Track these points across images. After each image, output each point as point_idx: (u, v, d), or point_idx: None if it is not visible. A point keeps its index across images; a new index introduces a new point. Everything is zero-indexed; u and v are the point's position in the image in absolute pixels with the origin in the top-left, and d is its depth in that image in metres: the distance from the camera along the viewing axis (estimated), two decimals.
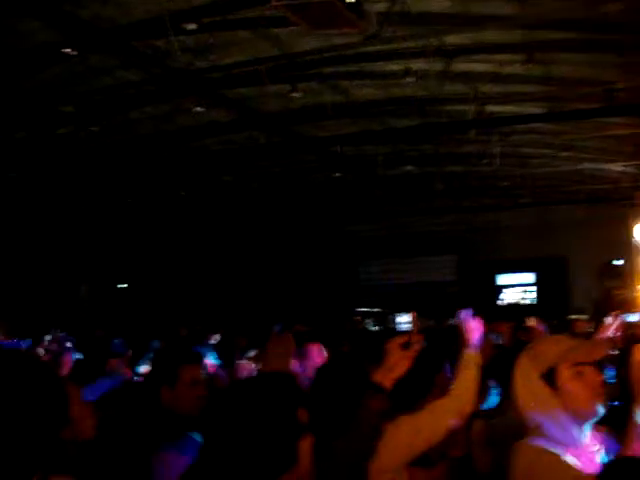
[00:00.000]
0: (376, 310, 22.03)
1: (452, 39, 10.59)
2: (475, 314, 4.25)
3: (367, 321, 19.64)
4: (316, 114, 13.32)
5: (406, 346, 3.40)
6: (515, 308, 22.56)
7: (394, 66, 11.32)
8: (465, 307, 4.29)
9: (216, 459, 2.41)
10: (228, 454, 2.37)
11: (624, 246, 19.39)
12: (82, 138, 14.24)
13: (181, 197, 18.76)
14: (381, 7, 9.07)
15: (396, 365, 3.35)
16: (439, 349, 4.54)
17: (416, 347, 3.41)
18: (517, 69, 11.44)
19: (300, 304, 20.67)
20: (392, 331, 12.71)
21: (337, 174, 17.58)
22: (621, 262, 20.80)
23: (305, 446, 2.55)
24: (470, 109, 12.83)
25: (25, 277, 17.43)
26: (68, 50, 10.31)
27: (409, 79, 11.46)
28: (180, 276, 21.41)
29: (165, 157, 15.99)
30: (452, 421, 3.91)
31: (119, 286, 21.36)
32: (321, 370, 4.26)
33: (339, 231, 24.22)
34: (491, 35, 10.57)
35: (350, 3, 7.37)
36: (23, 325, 13.12)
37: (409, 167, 16.91)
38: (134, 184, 17.91)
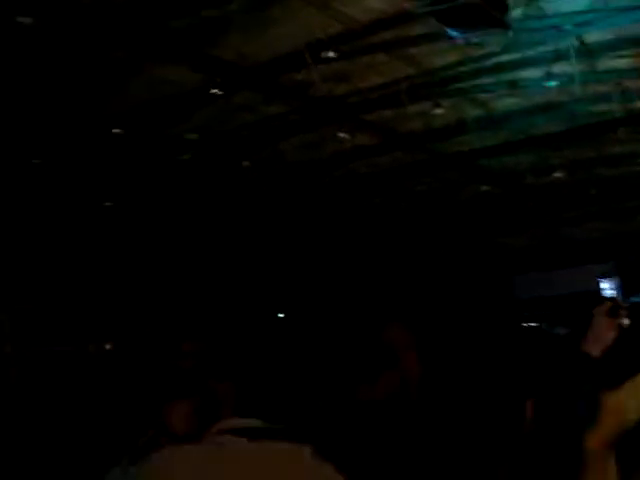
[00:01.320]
0: (533, 325, 21.53)
1: (593, 37, 10.37)
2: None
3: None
4: (457, 129, 13.30)
5: (613, 313, 3.19)
6: None
7: (534, 72, 11.18)
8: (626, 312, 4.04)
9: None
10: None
11: None
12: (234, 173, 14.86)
13: (337, 223, 19.11)
14: (516, 13, 9.03)
15: (604, 333, 3.11)
16: None
17: (624, 315, 3.18)
18: None
19: (454, 321, 20.45)
20: None
21: (484, 188, 17.43)
22: None
23: (411, 353, 2.70)
24: (617, 107, 12.49)
25: None
26: (215, 91, 10.81)
27: (551, 84, 11.30)
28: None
29: (315, 185, 16.37)
30: None
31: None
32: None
33: (491, 245, 23.91)
34: (633, 28, 10.27)
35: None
36: None
37: (558, 174, 16.55)
38: (285, 215, 18.38)
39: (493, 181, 17.27)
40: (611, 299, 3.21)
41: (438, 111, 11.88)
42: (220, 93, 10.96)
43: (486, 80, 11.42)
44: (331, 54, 10.03)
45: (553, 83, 11.20)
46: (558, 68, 10.92)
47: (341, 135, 12.63)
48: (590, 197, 18.83)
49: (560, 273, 24.05)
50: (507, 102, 12.44)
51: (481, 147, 14.49)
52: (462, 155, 15.04)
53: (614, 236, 22.28)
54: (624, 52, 10.87)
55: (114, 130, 12.36)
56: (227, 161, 14.40)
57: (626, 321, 3.11)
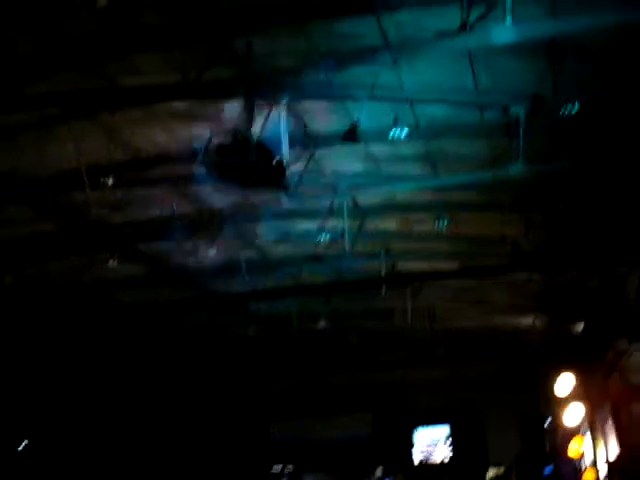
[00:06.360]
0: (288, 469, 21.67)
1: (365, 199, 11.01)
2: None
3: None
4: (230, 270, 13.45)
5: None
6: (431, 468, 22.57)
7: (308, 224, 11.65)
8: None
9: None
10: None
11: (538, 398, 19.52)
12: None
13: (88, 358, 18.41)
14: (297, 167, 9.43)
15: None
16: None
17: None
18: (427, 227, 11.90)
19: (211, 464, 20.06)
20: None
21: (251, 331, 17.51)
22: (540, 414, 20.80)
23: None
24: (382, 266, 13.17)
25: None
26: None
27: (323, 237, 11.79)
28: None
29: (80, 308, 15.76)
30: None
31: None
32: None
33: (251, 387, 23.85)
34: (402, 194, 11.04)
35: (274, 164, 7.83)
36: None
37: (323, 323, 17.02)
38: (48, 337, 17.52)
39: (261, 324, 17.39)
40: None
41: (212, 250, 11.97)
42: None
43: (262, 225, 11.73)
44: (110, 181, 9.93)
45: (325, 236, 11.67)
46: (331, 223, 11.44)
47: (111, 262, 12.33)
48: (352, 347, 19.41)
49: (318, 419, 24.34)
50: (280, 249, 12.80)
51: (251, 290, 14.65)
52: (232, 296, 15.11)
53: (374, 387, 22.97)
54: (391, 216, 11.62)
55: None
56: None
57: None
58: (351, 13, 7.55)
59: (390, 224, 12.19)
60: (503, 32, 7.07)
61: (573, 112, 8.31)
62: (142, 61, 8.36)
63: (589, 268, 13.31)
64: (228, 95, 8.51)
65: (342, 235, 11.59)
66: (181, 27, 7.76)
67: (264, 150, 7.85)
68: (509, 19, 6.91)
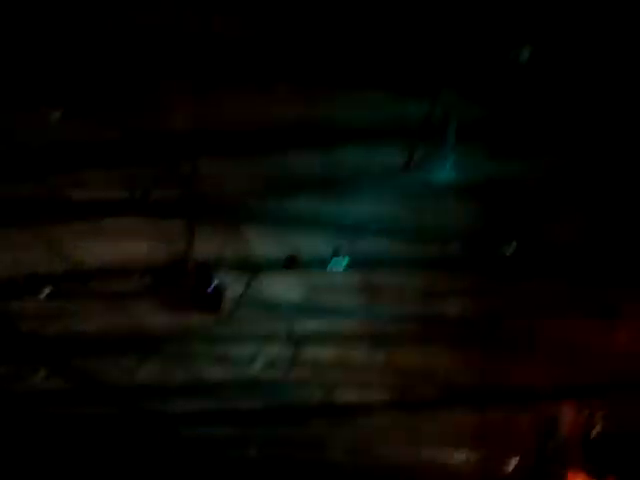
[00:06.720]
0: None
1: (302, 326, 11.02)
2: None
3: None
4: (163, 390, 13.25)
5: None
6: None
7: (244, 349, 11.61)
8: None
9: None
10: None
11: None
12: None
13: None
14: (235, 291, 9.45)
15: None
16: None
17: None
18: (363, 358, 11.92)
19: None
20: None
21: (180, 452, 17.12)
22: None
23: None
24: (317, 395, 13.10)
25: None
26: None
27: (258, 362, 11.75)
28: None
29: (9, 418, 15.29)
30: None
31: None
32: None
33: None
34: (339, 325, 11.07)
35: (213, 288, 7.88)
36: None
37: (254, 450, 16.74)
38: None
39: (190, 446, 17.00)
40: None
41: (143, 369, 11.82)
42: None
43: (197, 348, 11.65)
44: (47, 290, 9.83)
45: (260, 362, 11.64)
46: (267, 349, 11.41)
47: (41, 375, 12.07)
48: (283, 477, 19.01)
49: None
50: (214, 372, 12.67)
51: (182, 412, 14.40)
52: (163, 417, 14.81)
53: None
54: (328, 345, 11.63)
55: None
56: None
57: None
58: (298, 147, 7.74)
59: (326, 353, 12.17)
60: (444, 173, 7.29)
61: (510, 250, 8.51)
62: (89, 175, 8.41)
63: (523, 404, 13.40)
64: (172, 215, 8.59)
65: (277, 362, 11.56)
66: (130, 145, 7.85)
67: (203, 273, 7.90)
68: (451, 161, 7.12)
